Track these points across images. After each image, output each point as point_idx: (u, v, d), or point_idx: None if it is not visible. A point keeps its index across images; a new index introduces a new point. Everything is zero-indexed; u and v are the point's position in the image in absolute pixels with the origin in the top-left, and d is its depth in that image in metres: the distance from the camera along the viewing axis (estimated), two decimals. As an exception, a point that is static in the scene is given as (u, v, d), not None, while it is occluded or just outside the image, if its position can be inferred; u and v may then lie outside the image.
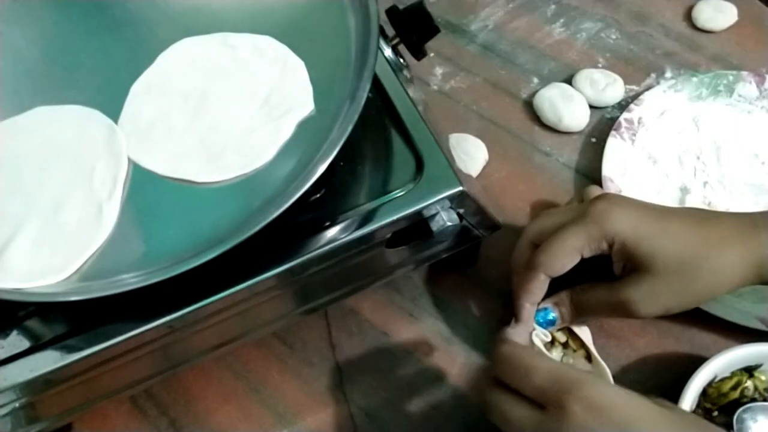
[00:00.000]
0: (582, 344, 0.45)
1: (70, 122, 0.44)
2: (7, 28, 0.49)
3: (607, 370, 0.43)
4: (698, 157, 0.57)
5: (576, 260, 0.43)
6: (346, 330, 0.52)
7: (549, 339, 0.45)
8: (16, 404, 0.40)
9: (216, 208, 0.39)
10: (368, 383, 0.50)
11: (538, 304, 0.45)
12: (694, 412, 0.43)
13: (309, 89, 0.42)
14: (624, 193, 0.55)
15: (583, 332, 0.46)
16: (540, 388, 0.35)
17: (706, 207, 0.54)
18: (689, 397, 0.42)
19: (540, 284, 0.44)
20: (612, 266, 0.45)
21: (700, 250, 0.41)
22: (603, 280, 0.44)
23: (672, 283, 0.41)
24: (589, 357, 0.45)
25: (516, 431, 0.37)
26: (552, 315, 0.45)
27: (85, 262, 0.38)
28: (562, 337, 0.46)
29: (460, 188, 0.41)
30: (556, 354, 0.46)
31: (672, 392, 0.43)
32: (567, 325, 0.46)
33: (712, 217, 0.43)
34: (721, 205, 0.54)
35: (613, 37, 0.68)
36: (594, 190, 0.48)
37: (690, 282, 0.41)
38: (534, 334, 0.44)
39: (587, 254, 0.42)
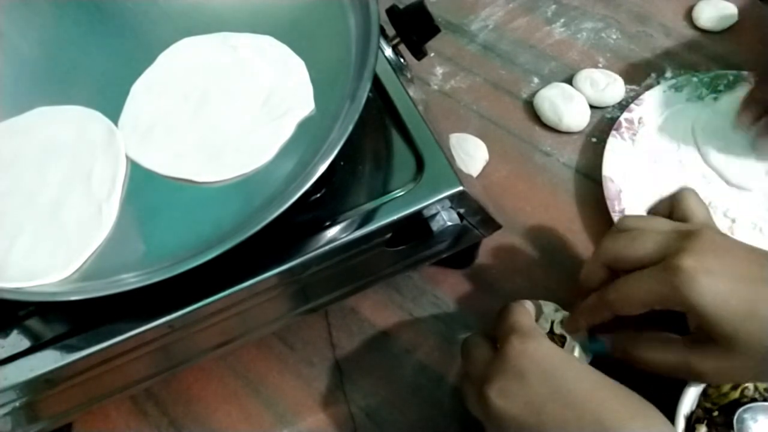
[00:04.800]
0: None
1: (70, 123, 0.44)
2: (8, 28, 0.49)
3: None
4: (698, 157, 0.57)
5: (645, 310, 0.40)
6: (347, 330, 0.52)
7: (548, 329, 0.45)
8: (17, 404, 0.39)
9: (216, 208, 0.39)
10: (368, 383, 0.50)
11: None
12: (694, 412, 0.43)
13: (309, 89, 0.42)
14: (624, 193, 0.55)
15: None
16: (497, 332, 0.41)
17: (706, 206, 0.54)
18: (689, 397, 0.42)
19: (605, 317, 0.43)
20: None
21: None
22: (657, 327, 0.42)
23: (750, 366, 0.38)
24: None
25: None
26: (604, 348, 0.44)
27: (85, 262, 0.38)
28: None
29: (461, 188, 0.41)
30: None
31: (672, 392, 0.43)
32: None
33: None
34: (722, 205, 0.54)
35: (614, 37, 0.68)
36: (689, 199, 0.43)
37: None
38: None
39: (663, 308, 0.39)
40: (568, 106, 0.61)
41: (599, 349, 0.45)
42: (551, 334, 0.46)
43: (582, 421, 0.36)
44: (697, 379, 0.40)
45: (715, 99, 0.60)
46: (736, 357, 0.38)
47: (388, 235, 0.42)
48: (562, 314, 0.46)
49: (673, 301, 0.38)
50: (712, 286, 0.37)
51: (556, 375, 0.37)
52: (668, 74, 0.64)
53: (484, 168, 0.60)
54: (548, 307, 0.46)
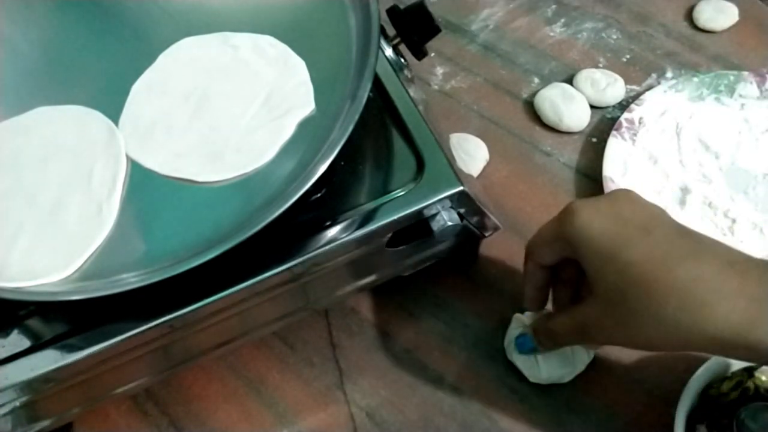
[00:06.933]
0: None
1: (70, 122, 0.44)
2: (8, 28, 0.49)
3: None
4: (698, 157, 0.57)
5: (554, 254, 0.41)
6: (347, 330, 0.52)
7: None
8: (17, 403, 0.40)
9: (217, 208, 0.39)
10: (368, 383, 0.50)
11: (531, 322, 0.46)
12: (694, 412, 0.43)
13: (310, 89, 0.42)
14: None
15: None
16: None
17: (706, 207, 0.54)
18: (689, 397, 0.42)
19: (533, 270, 0.44)
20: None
21: (656, 274, 0.34)
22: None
23: (613, 315, 0.36)
24: None
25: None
26: (531, 342, 0.45)
27: (86, 262, 0.38)
28: None
29: (461, 188, 0.41)
30: None
31: (672, 392, 0.43)
32: (548, 351, 0.46)
33: (697, 238, 0.36)
34: (722, 205, 0.54)
35: (614, 37, 0.68)
36: None
37: (636, 316, 0.35)
38: (515, 318, 0.48)
39: (561, 252, 0.40)
40: (569, 106, 0.61)
41: (527, 343, 0.46)
42: None
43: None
44: (589, 338, 0.40)
45: (716, 99, 0.60)
46: (602, 303, 0.37)
47: (389, 235, 0.42)
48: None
49: (562, 237, 0.38)
50: (589, 222, 0.37)
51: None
52: (669, 74, 0.64)
53: (485, 168, 0.60)
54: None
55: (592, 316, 0.38)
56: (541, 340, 0.44)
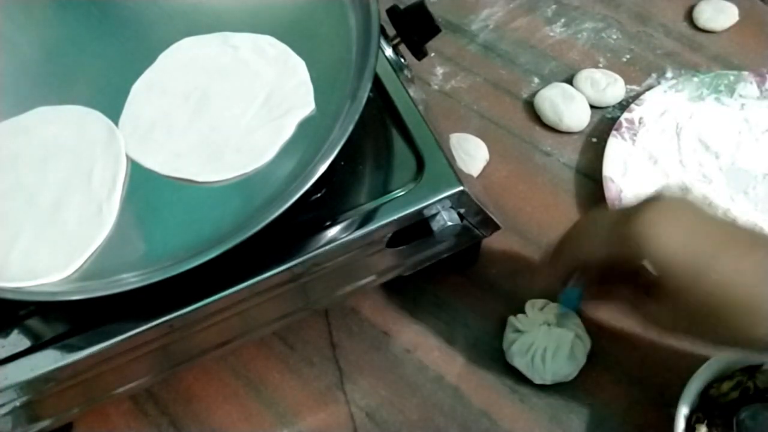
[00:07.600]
0: None
1: (70, 122, 0.44)
2: (8, 28, 0.49)
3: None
4: (698, 157, 0.57)
5: (603, 264, 0.40)
6: (347, 330, 0.52)
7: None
8: (17, 403, 0.40)
9: (217, 208, 0.39)
10: (368, 383, 0.50)
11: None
12: (694, 412, 0.43)
13: (310, 89, 0.42)
14: (624, 194, 0.55)
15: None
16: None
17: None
18: (689, 397, 0.42)
19: (567, 263, 0.42)
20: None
21: (747, 295, 0.35)
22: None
23: (699, 326, 0.37)
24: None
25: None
26: (576, 301, 0.44)
27: (86, 262, 0.38)
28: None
29: (461, 188, 0.41)
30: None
31: (672, 392, 0.43)
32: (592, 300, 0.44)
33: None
34: (722, 205, 0.54)
35: (614, 37, 0.68)
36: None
37: (719, 323, 0.36)
38: (510, 321, 0.49)
39: (614, 261, 0.39)
40: (569, 106, 0.61)
41: (573, 298, 0.44)
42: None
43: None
44: (651, 326, 0.40)
45: (716, 99, 0.60)
46: (684, 315, 0.37)
47: (389, 235, 0.42)
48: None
49: (628, 252, 0.37)
50: (667, 239, 0.36)
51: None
52: (669, 74, 0.64)
53: (485, 168, 0.60)
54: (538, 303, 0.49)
55: (667, 320, 0.39)
56: (595, 294, 0.43)
